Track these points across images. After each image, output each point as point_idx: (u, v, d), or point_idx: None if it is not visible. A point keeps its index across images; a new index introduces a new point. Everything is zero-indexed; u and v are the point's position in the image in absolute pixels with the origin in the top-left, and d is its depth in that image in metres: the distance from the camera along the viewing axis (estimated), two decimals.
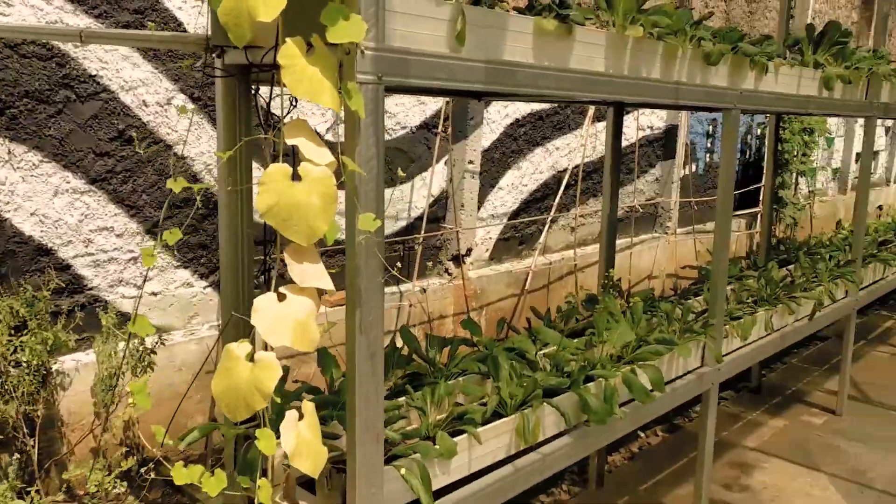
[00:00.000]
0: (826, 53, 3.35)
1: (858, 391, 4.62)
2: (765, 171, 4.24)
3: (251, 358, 1.32)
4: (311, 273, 1.38)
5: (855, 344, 4.24)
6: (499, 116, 4.50)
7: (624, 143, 5.50)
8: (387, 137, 3.96)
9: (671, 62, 2.30)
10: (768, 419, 4.25)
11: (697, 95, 2.42)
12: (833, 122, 8.51)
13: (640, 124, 5.63)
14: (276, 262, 1.40)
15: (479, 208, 4.48)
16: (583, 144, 5.06)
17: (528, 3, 1.95)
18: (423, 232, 4.16)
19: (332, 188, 1.33)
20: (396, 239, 4.06)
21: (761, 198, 6.89)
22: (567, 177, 4.90)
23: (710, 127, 6.49)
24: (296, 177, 1.31)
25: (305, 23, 1.32)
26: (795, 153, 7.15)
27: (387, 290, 3.82)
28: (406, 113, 4.01)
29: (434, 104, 4.10)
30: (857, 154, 9.32)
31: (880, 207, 10.42)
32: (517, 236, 4.86)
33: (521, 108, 4.63)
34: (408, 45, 1.48)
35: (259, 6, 1.24)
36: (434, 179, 4.18)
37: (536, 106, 4.70)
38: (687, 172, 6.22)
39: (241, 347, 1.33)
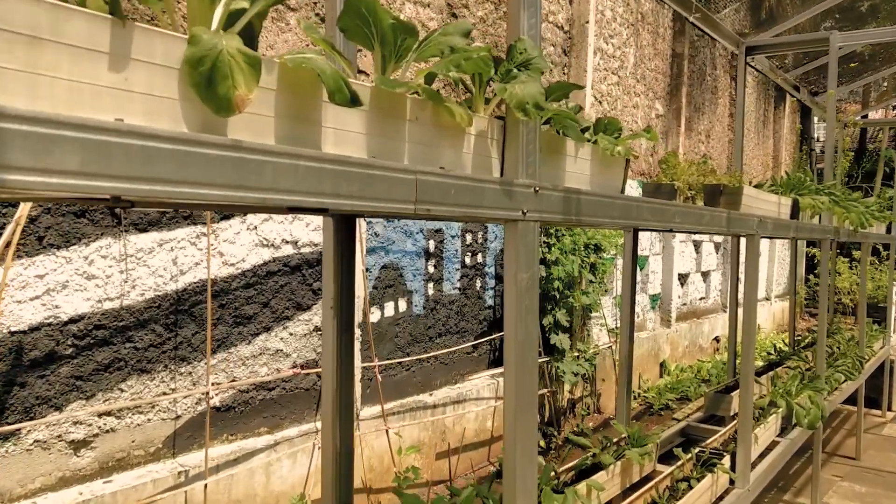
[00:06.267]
0: None
1: None
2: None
3: None
4: None
5: None
6: None
7: (226, 271, 3.00)
8: None
9: None
10: None
11: None
12: (644, 238, 6.51)
13: (261, 237, 3.16)
14: None
15: None
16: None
17: None
18: None
19: None
20: None
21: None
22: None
23: (431, 242, 4.15)
24: None
25: None
26: (579, 278, 4.94)
27: None
28: None
29: None
30: (680, 275, 7.36)
31: (717, 339, 8.49)
32: None
33: None
34: None
35: None
36: None
37: None
38: (383, 316, 3.78)
39: None
